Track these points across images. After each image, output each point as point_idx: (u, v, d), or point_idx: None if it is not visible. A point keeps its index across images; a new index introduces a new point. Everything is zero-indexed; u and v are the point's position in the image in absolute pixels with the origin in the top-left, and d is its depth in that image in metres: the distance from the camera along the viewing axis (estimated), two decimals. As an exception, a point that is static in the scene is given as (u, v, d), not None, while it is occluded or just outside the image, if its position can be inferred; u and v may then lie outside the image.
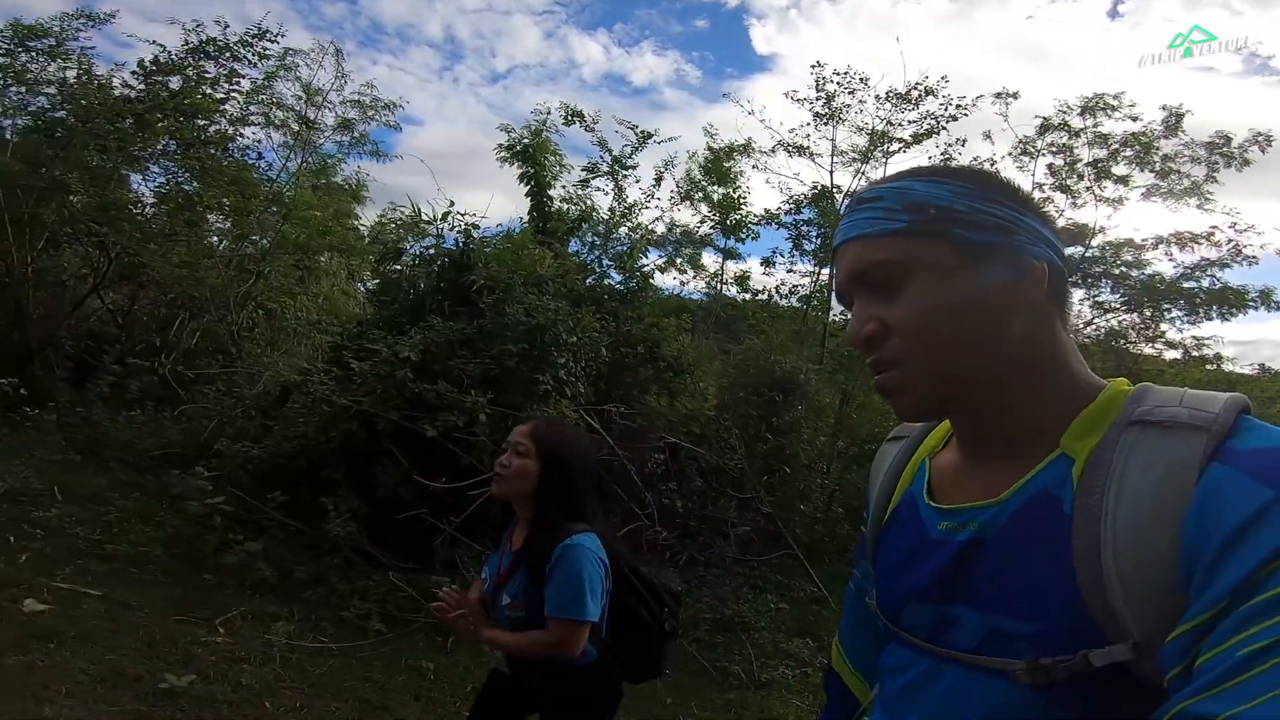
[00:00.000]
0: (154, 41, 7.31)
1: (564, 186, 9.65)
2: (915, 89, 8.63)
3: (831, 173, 9.47)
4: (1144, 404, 0.59)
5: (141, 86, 7.29)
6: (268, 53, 7.50)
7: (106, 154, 7.04)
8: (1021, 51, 18.18)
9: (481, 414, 4.33)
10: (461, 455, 4.36)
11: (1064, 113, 8.42)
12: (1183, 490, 0.53)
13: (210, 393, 6.79)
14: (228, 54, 7.33)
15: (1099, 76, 19.69)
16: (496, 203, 25.51)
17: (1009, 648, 0.59)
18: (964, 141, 8.67)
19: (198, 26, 7.34)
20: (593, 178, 8.29)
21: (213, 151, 7.68)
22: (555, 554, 1.64)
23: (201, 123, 7.66)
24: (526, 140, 9.85)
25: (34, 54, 7.32)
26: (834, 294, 0.72)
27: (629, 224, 8.24)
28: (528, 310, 4.87)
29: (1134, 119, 8.05)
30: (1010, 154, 8.78)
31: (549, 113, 9.39)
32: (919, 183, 0.66)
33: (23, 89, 7.29)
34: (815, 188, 9.73)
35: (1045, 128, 8.53)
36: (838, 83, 8.87)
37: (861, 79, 8.86)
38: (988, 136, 8.84)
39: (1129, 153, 8.19)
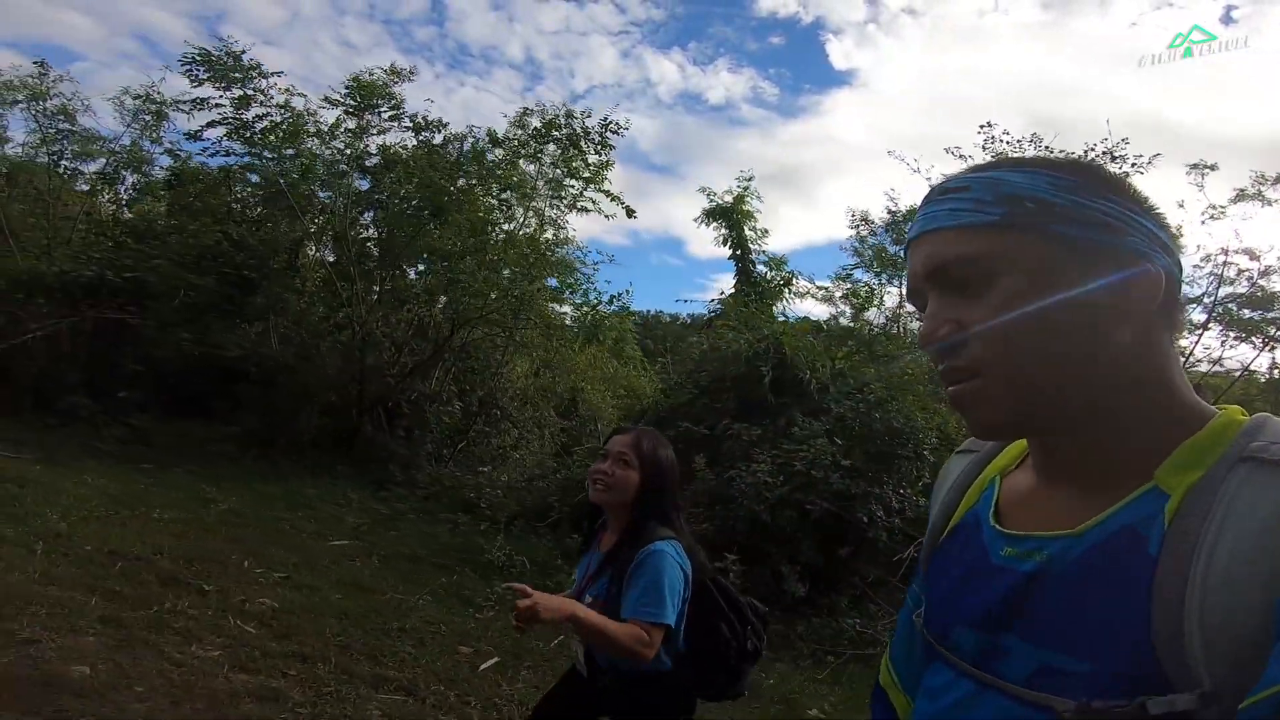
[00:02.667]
0: (506, 116, 8.27)
1: (762, 249, 10.55)
2: (1091, 149, 9.06)
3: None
4: (1259, 438, 0.53)
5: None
6: (610, 143, 8.36)
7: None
8: (1123, 60, 18.08)
9: (894, 501, 5.47)
10: (868, 530, 5.51)
11: (1259, 184, 9.17)
12: None
13: (536, 456, 7.87)
14: (574, 138, 8.25)
15: (1212, 86, 19.18)
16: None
17: (1059, 685, 0.54)
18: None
19: (564, 111, 8.30)
20: (853, 268, 9.20)
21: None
22: (639, 557, 1.70)
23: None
24: (728, 205, 10.78)
25: (378, 114, 8.23)
26: (906, 294, 0.70)
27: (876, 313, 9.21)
28: (896, 415, 5.94)
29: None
30: (1202, 220, 9.42)
31: (751, 178, 10.28)
32: (1014, 173, 0.59)
33: (353, 164, 8.23)
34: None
35: (1240, 197, 9.25)
36: (1008, 143, 9.30)
37: (1045, 147, 9.25)
38: (1181, 205, 9.47)
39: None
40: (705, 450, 6.51)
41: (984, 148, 9.52)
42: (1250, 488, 0.50)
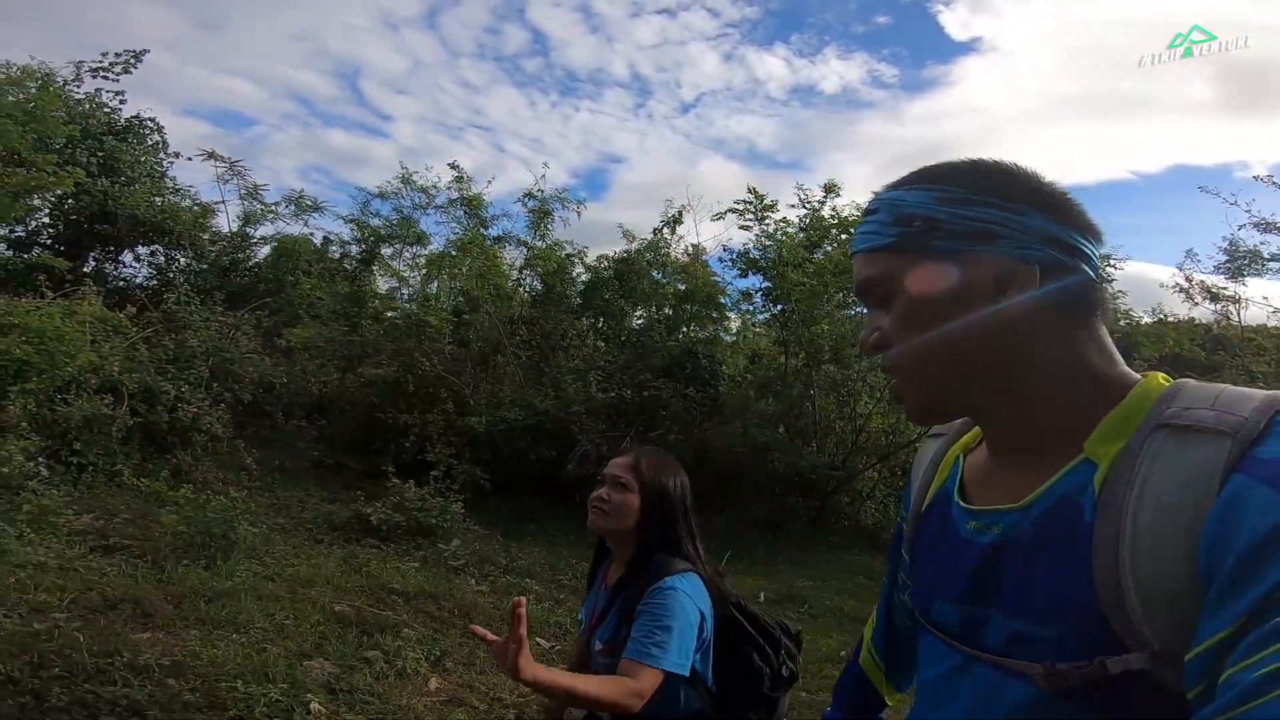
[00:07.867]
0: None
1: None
2: None
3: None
4: (1173, 405, 0.58)
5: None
6: None
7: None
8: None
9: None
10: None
11: None
12: (1202, 500, 0.52)
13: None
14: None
15: None
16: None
17: (1031, 651, 0.60)
18: None
19: None
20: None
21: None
22: (648, 594, 1.52)
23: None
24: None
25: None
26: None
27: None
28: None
29: None
30: None
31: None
32: (909, 191, 0.67)
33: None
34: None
35: None
36: None
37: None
38: None
39: None
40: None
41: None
42: (1165, 452, 0.56)
